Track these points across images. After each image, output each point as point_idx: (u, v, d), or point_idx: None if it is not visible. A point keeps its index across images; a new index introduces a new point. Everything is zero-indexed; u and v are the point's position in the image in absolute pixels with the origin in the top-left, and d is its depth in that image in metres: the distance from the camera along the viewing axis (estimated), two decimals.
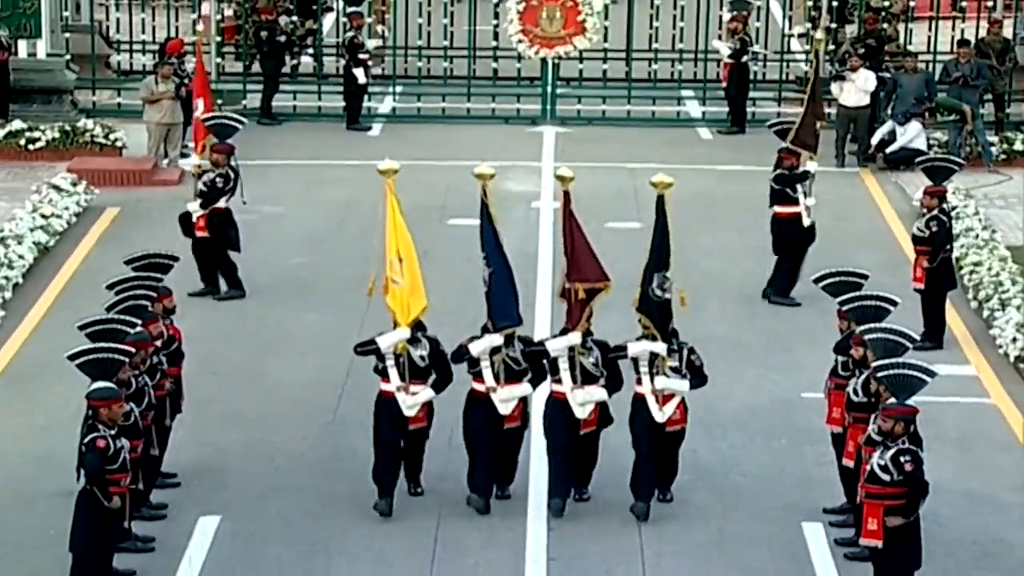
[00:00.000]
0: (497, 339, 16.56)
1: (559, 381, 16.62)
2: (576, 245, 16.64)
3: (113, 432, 14.81)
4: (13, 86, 30.37)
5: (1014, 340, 21.03)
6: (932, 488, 14.96)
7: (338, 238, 25.55)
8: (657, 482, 16.92)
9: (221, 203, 22.64)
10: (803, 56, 35.19)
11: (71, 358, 15.39)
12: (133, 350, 15.66)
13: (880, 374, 15.36)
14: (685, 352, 16.87)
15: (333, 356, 20.39)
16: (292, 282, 23.67)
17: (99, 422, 14.81)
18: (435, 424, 17.11)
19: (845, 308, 16.63)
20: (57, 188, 25.90)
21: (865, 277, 17.25)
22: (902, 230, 25.50)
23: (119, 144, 28.75)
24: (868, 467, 14.91)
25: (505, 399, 16.56)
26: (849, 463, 16.10)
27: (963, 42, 31.16)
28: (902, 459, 14.69)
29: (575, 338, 16.48)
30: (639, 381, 16.77)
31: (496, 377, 16.56)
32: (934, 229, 21.28)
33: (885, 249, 24.60)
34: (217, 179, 22.49)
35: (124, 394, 15.36)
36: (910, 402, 15.03)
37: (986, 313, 22.24)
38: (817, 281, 17.42)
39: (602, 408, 16.73)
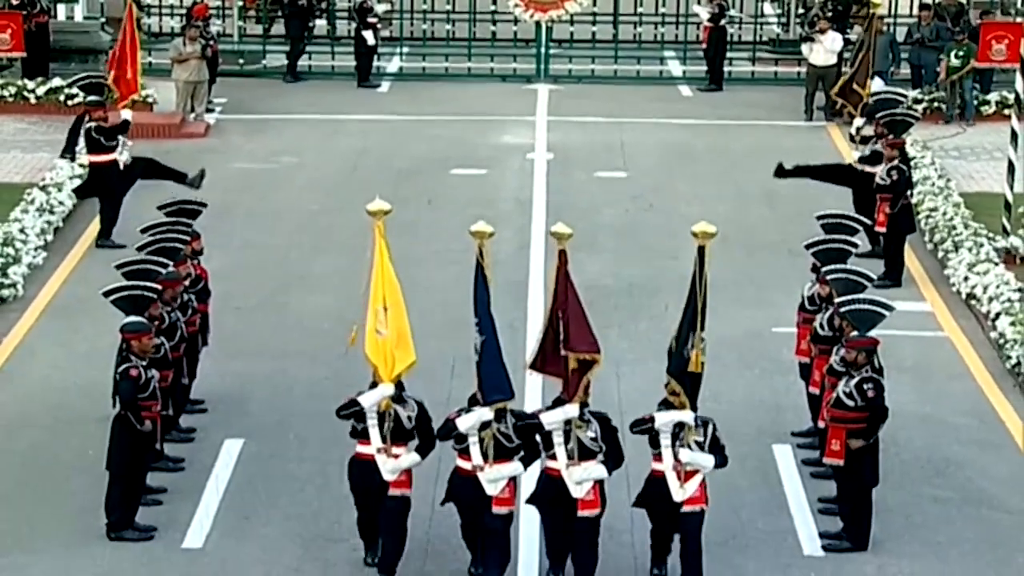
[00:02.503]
0: (487, 413, 13.67)
1: (553, 457, 13.78)
2: (570, 310, 13.76)
3: (144, 363, 14.86)
4: (52, 46, 30.34)
5: (965, 279, 21.05)
6: (891, 413, 15.03)
7: (351, 185, 25.56)
8: (655, 554, 14.34)
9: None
10: (775, 20, 35.14)
11: (106, 294, 15.48)
12: (162, 287, 15.72)
13: (843, 309, 15.41)
14: (711, 428, 14.03)
15: (346, 293, 20.39)
16: (309, 225, 23.70)
17: (131, 353, 14.87)
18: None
19: (831, 278, 16.38)
20: None
21: (855, 246, 17.15)
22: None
23: (150, 100, 28.70)
24: (833, 394, 14.96)
25: (493, 479, 13.67)
26: (815, 391, 16.14)
27: (924, 6, 31.14)
28: (864, 387, 14.74)
29: (572, 410, 13.67)
30: (658, 457, 13.94)
31: (484, 455, 13.69)
32: (895, 178, 21.32)
33: (849, 196, 24.57)
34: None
35: (156, 328, 15.44)
36: (871, 335, 15.09)
37: (940, 254, 22.28)
38: (808, 247, 17.13)
39: (601, 488, 13.89)
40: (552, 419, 13.68)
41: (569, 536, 13.81)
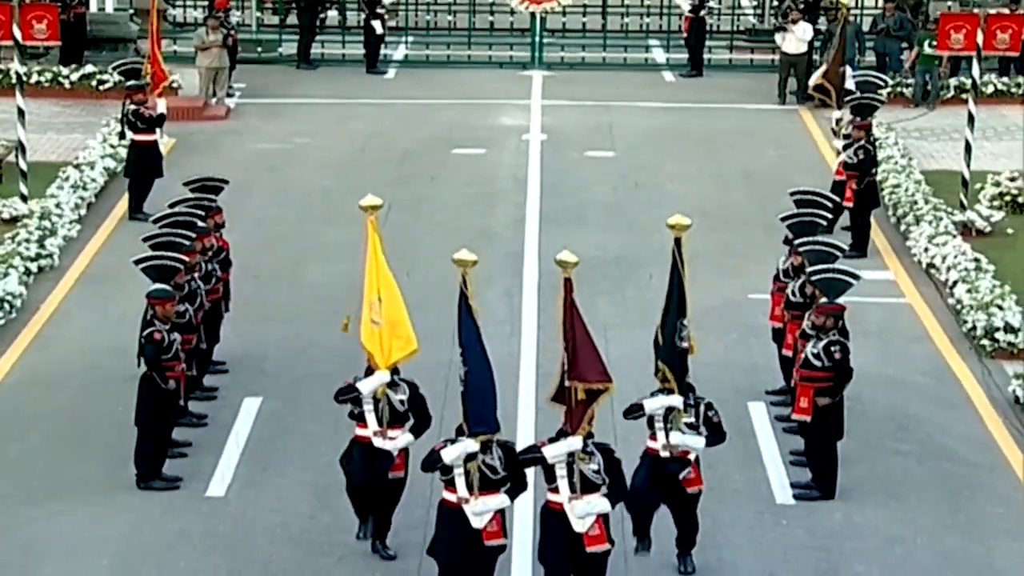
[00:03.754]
0: (472, 445, 12.34)
1: (555, 490, 12.45)
2: (577, 339, 12.30)
3: (167, 327, 14.87)
4: (87, 36, 30.29)
5: (926, 250, 21.05)
6: (855, 373, 15.04)
7: (360, 163, 25.56)
8: (682, 545, 13.73)
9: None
10: (751, 11, 35.09)
11: (136, 263, 15.50)
12: (187, 258, 15.72)
13: (814, 278, 15.43)
14: (702, 408, 13.57)
15: (357, 263, 20.28)
16: (322, 200, 23.68)
17: (156, 318, 14.89)
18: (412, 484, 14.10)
19: (803, 250, 16.33)
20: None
21: (826, 219, 17.12)
22: (833, 158, 25.44)
23: (175, 85, 28.59)
24: (803, 356, 14.97)
25: (479, 512, 12.41)
26: (787, 353, 16.16)
27: None
28: (832, 349, 14.76)
29: (575, 443, 12.32)
30: (653, 436, 13.53)
31: (470, 487, 12.39)
32: (861, 157, 21.32)
33: (820, 173, 24.56)
34: None
35: (179, 296, 15.44)
36: (839, 301, 15.10)
37: (903, 227, 22.27)
38: (784, 219, 17.09)
39: (606, 522, 12.60)
40: (555, 452, 12.38)
41: (574, 572, 12.51)
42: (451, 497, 12.50)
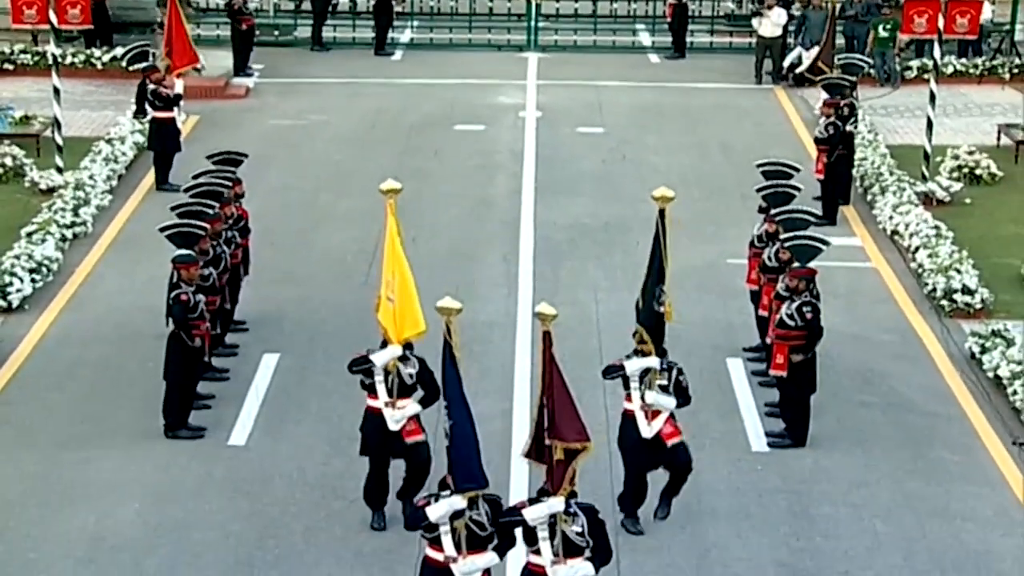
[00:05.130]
0: (459, 502, 11.04)
1: (537, 552, 11.10)
2: (556, 397, 10.98)
3: (192, 289, 14.87)
4: (114, 21, 30.19)
5: (890, 218, 21.05)
6: (825, 332, 15.06)
7: (370, 138, 25.52)
8: (664, 497, 13.61)
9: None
10: None
11: (161, 230, 15.49)
12: (209, 226, 15.72)
13: (788, 244, 15.43)
14: (674, 372, 13.32)
15: (366, 230, 20.41)
16: (334, 173, 23.66)
17: (182, 281, 14.89)
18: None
19: (777, 218, 16.33)
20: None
21: (798, 189, 17.10)
22: (806, 133, 25.46)
23: (198, 67, 28.56)
24: (778, 316, 14.99)
25: (467, 572, 11.10)
26: (763, 313, 16.15)
27: None
28: (804, 309, 14.76)
29: (557, 504, 11.00)
30: (628, 397, 13.28)
31: (457, 545, 11.08)
32: (831, 132, 21.27)
33: (793, 148, 24.56)
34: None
35: (204, 260, 15.45)
36: (811, 265, 15.11)
37: (869, 197, 22.26)
38: (759, 191, 17.05)
39: None
40: (536, 514, 11.00)
41: None
42: (437, 556, 11.15)
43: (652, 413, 13.26)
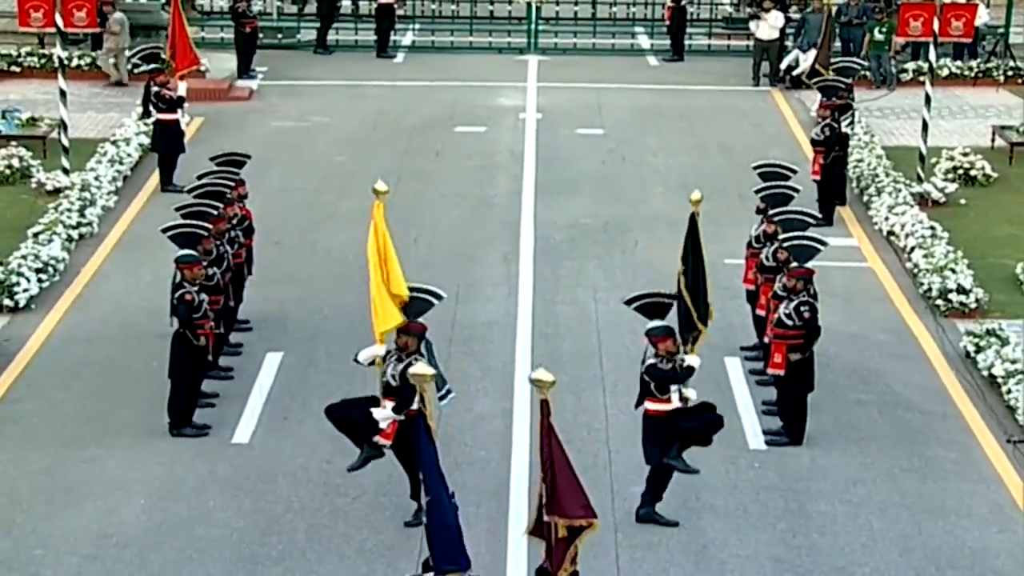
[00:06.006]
0: None
1: None
2: (556, 469, 9.78)
3: (196, 288, 14.86)
4: None
5: (886, 218, 21.05)
6: (823, 331, 15.06)
7: (372, 139, 25.53)
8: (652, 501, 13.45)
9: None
10: (728, 1, 34.99)
11: (163, 231, 15.49)
12: (211, 225, 15.70)
13: (786, 244, 15.42)
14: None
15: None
16: (337, 174, 23.66)
17: (185, 281, 14.88)
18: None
19: (776, 219, 16.31)
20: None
21: (796, 191, 17.10)
22: (802, 134, 25.46)
23: (203, 68, 28.59)
24: (775, 315, 14.97)
25: None
26: (761, 312, 16.14)
27: None
28: (801, 309, 14.76)
29: None
30: (665, 399, 13.08)
31: None
32: (827, 134, 21.27)
33: (790, 149, 24.58)
34: None
35: (207, 260, 15.43)
36: (808, 265, 15.10)
37: (865, 198, 22.26)
38: (758, 192, 17.04)
39: None
40: None
41: None
42: None
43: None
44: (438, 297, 13.62)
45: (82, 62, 28.69)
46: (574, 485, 9.73)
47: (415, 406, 10.37)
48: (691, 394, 13.28)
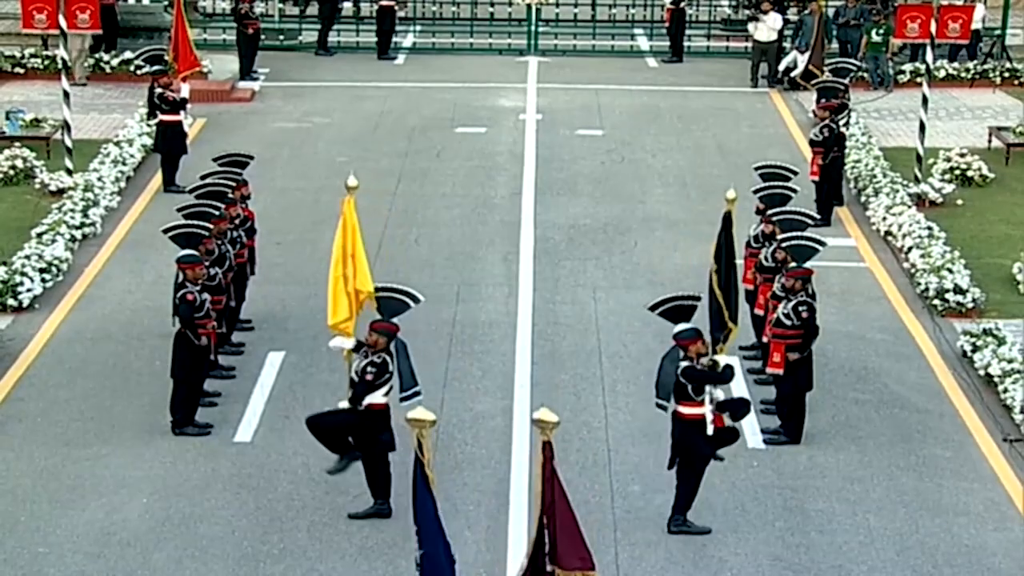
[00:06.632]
0: None
1: None
2: (559, 516, 9.01)
3: (198, 288, 14.86)
4: (123, 25, 30.20)
5: (884, 219, 21.05)
6: (821, 331, 15.06)
7: (373, 140, 25.52)
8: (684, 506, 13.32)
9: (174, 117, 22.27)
10: (727, 3, 35.00)
11: (165, 231, 15.49)
12: (213, 226, 15.70)
13: (784, 244, 15.43)
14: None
15: (369, 230, 20.29)
16: (338, 173, 23.61)
17: (187, 281, 14.88)
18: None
19: (775, 219, 16.32)
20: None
21: (795, 191, 17.07)
22: (800, 136, 25.47)
23: (205, 70, 28.60)
24: (774, 315, 14.98)
25: None
26: (759, 312, 16.17)
27: None
28: (800, 309, 14.76)
29: None
30: (697, 403, 12.97)
31: None
32: (826, 135, 21.26)
33: (788, 150, 24.59)
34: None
35: (208, 260, 15.43)
36: (807, 265, 15.10)
37: (863, 198, 22.26)
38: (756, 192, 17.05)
39: None
40: None
41: None
42: None
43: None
44: (415, 299, 13.64)
45: (86, 63, 28.67)
46: (576, 535, 9.12)
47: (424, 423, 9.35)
48: (720, 395, 13.21)
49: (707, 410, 13.01)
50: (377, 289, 13.64)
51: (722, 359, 13.31)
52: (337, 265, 13.45)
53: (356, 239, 13.53)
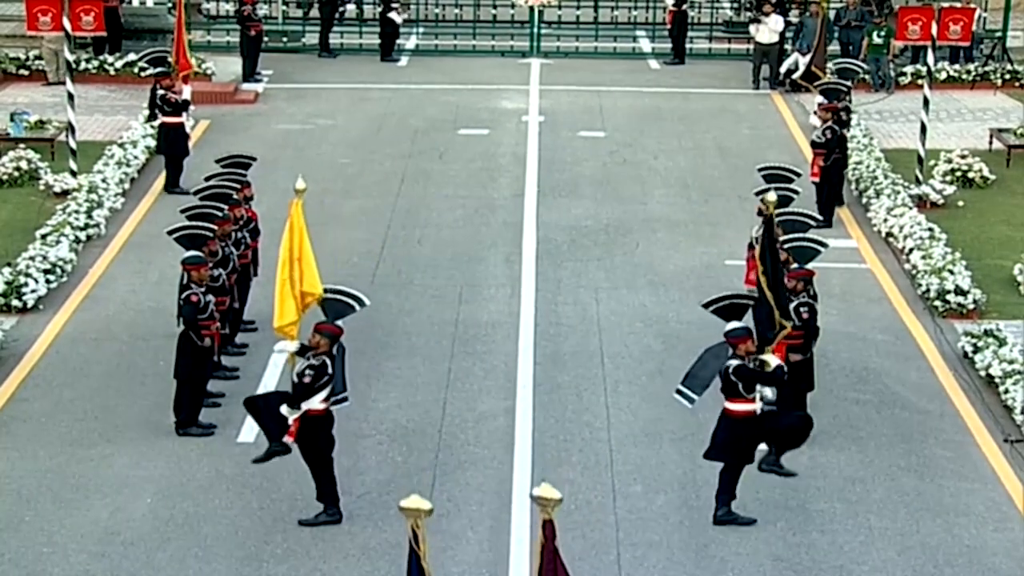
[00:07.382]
0: None
1: None
2: None
3: (202, 289, 14.88)
4: (127, 27, 30.23)
5: (885, 220, 21.04)
6: (822, 332, 15.05)
7: (376, 142, 25.52)
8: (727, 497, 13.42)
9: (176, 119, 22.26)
10: (729, 5, 35.00)
11: (169, 233, 15.49)
12: (217, 227, 15.70)
13: (787, 245, 15.40)
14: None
15: (372, 231, 20.42)
16: (341, 176, 23.67)
17: (191, 282, 14.90)
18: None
19: (778, 220, 16.26)
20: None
21: (797, 192, 17.06)
22: (802, 137, 25.46)
23: (208, 72, 28.60)
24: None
25: None
26: None
27: None
28: (801, 310, 14.74)
29: None
30: (749, 399, 13.08)
31: None
32: (828, 136, 21.25)
33: (790, 151, 24.58)
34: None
35: (213, 262, 15.43)
36: (808, 266, 15.09)
37: (864, 200, 22.26)
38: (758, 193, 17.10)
39: None
40: None
41: None
42: None
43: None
44: (360, 303, 13.61)
45: (90, 65, 28.72)
46: None
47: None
48: (770, 394, 13.13)
49: (757, 407, 13.08)
50: (324, 291, 13.69)
51: (771, 359, 13.32)
52: (284, 268, 13.56)
53: (304, 242, 13.59)
